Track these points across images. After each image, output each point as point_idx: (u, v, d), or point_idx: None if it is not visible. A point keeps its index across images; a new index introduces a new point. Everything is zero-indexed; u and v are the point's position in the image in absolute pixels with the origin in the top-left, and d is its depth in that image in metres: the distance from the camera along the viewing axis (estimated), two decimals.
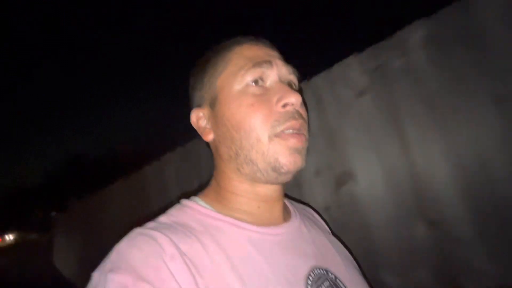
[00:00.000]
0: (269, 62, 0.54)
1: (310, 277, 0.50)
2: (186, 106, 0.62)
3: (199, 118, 0.59)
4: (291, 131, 0.51)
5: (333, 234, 0.73)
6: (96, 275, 0.43)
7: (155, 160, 2.66)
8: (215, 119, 0.56)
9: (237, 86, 0.53)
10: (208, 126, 0.58)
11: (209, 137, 0.58)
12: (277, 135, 0.50)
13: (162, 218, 0.52)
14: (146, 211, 2.75)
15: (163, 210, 0.55)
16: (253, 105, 0.51)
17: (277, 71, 0.54)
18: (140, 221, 0.51)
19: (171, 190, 2.38)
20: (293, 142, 0.50)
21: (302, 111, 0.54)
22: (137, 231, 0.47)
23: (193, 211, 0.53)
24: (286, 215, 0.60)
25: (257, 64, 0.53)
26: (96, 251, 4.51)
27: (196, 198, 0.58)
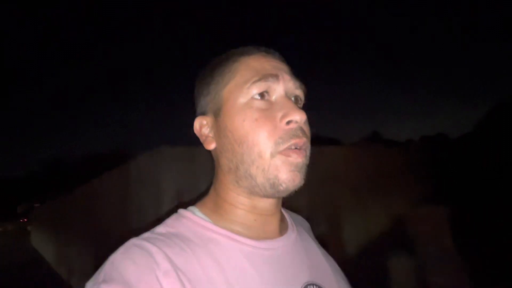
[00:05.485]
0: (275, 76, 0.52)
1: None
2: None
3: (202, 125, 0.58)
4: (293, 147, 0.50)
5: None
6: (89, 286, 0.42)
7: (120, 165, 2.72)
8: (218, 129, 0.55)
9: (242, 99, 0.52)
10: (210, 135, 0.57)
11: (211, 146, 0.57)
12: (279, 152, 0.49)
13: (159, 229, 0.51)
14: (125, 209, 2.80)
15: (159, 220, 0.54)
16: (257, 120, 0.50)
17: (284, 86, 0.53)
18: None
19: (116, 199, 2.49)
20: (294, 156, 0.50)
21: (306, 128, 0.53)
22: (133, 242, 0.47)
23: (190, 222, 0.53)
24: (282, 227, 0.59)
25: (264, 77, 0.51)
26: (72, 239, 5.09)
27: (194, 209, 0.57)
